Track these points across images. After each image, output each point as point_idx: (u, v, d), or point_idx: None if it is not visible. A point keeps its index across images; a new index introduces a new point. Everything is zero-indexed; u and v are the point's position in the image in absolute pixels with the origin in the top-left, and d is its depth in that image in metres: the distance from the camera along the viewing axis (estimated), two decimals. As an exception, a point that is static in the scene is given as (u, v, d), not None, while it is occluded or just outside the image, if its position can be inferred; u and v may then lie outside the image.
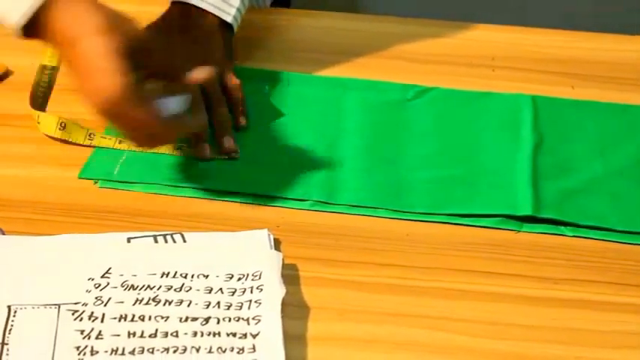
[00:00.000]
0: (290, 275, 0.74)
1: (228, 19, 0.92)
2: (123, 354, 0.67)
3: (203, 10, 0.91)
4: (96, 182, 0.83)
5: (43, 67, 0.85)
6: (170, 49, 0.83)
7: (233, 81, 0.90)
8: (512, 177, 0.85)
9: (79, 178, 0.83)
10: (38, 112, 0.86)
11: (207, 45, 0.90)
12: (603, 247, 0.79)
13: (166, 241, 0.75)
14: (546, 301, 0.74)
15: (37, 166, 0.85)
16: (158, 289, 0.71)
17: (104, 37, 0.70)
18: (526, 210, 0.81)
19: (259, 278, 0.72)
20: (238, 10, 0.92)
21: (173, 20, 0.91)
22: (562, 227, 0.81)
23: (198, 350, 0.67)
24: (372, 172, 0.86)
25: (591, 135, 0.91)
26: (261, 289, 0.71)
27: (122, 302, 0.70)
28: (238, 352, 0.67)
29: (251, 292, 0.71)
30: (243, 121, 0.89)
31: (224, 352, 0.67)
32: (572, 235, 0.80)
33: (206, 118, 0.84)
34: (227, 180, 0.84)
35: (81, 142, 0.86)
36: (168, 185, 0.83)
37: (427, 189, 0.84)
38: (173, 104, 0.77)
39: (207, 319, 0.69)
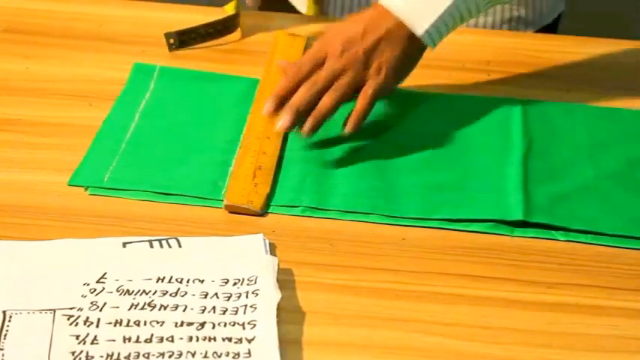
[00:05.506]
0: (285, 280, 0.74)
1: (419, 32, 0.88)
2: (118, 359, 0.67)
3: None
4: (86, 189, 0.83)
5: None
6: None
7: (366, 93, 0.88)
8: (503, 182, 0.86)
9: (69, 185, 0.83)
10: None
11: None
12: (595, 251, 0.80)
13: (162, 246, 0.75)
14: (539, 305, 0.74)
15: (29, 170, 0.84)
16: (154, 294, 0.71)
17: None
18: (517, 215, 0.81)
19: (255, 283, 0.72)
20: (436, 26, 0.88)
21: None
22: (554, 232, 0.81)
23: (193, 355, 0.67)
24: (363, 177, 0.86)
25: (581, 139, 0.92)
26: (257, 294, 0.71)
27: (117, 307, 0.70)
28: (234, 357, 0.67)
29: (246, 296, 0.71)
30: (348, 128, 0.87)
31: (219, 356, 0.67)
32: (564, 239, 0.80)
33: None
34: (216, 188, 0.83)
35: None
36: (159, 193, 0.82)
37: (419, 194, 0.84)
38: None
39: (202, 324, 0.70)
